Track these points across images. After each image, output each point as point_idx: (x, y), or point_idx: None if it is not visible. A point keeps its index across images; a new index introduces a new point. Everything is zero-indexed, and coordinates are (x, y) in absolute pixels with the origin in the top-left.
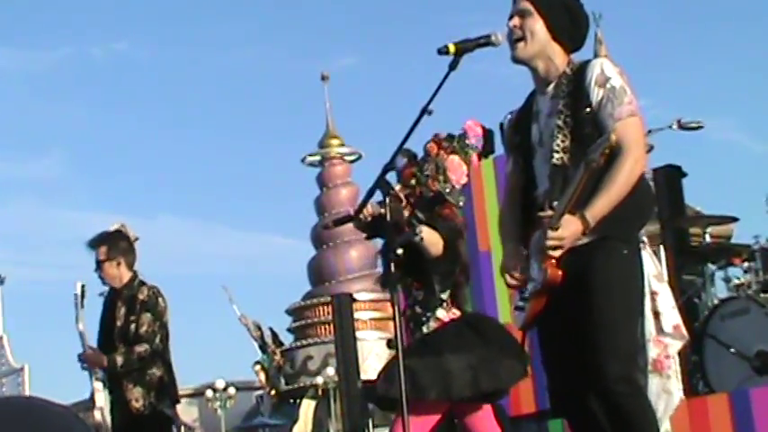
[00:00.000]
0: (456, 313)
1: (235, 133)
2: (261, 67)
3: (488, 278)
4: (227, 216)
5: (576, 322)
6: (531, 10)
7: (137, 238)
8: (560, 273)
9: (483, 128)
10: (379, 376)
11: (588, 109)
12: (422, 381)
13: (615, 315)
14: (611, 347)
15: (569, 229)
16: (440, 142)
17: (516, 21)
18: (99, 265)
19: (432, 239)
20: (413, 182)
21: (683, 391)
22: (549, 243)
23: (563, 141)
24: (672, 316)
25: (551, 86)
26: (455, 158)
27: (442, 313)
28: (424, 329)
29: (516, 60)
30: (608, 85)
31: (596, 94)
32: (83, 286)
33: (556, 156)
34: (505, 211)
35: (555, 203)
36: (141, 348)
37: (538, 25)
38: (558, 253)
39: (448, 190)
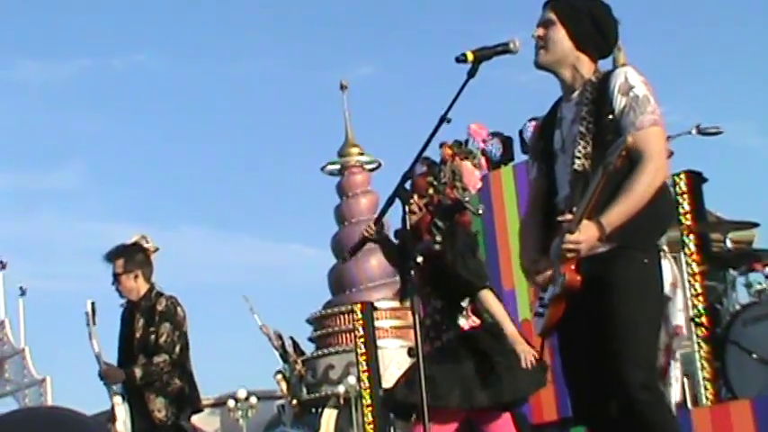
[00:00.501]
0: (476, 321)
1: (254, 142)
2: (280, 76)
3: (507, 280)
4: (248, 225)
5: (595, 330)
6: (555, 20)
7: (157, 249)
8: (579, 278)
9: (501, 135)
10: (398, 383)
11: (611, 116)
12: (441, 389)
13: (635, 323)
14: (631, 355)
15: (586, 234)
16: (452, 148)
17: (540, 31)
18: (116, 278)
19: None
20: (430, 191)
21: (705, 398)
22: (566, 246)
23: (584, 148)
24: (676, 318)
25: (576, 93)
26: (468, 164)
27: (462, 321)
28: (444, 338)
29: (538, 66)
30: (631, 94)
31: (619, 102)
32: (93, 304)
33: (577, 162)
34: (528, 216)
35: (574, 209)
36: (161, 359)
37: (560, 35)
38: (573, 257)
39: (467, 198)
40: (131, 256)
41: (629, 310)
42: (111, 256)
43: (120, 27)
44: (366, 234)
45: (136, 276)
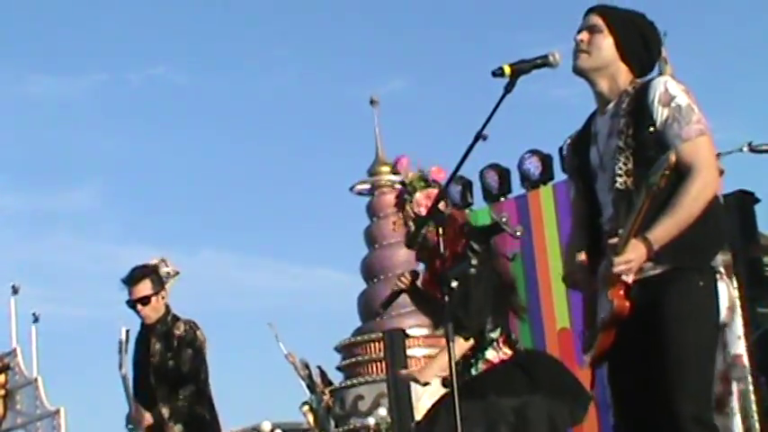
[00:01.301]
0: (507, 353)
1: (280, 161)
2: (305, 91)
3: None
4: (272, 249)
5: (647, 359)
6: (602, 26)
7: (177, 273)
8: (628, 304)
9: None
10: (424, 417)
11: (651, 129)
12: (467, 425)
13: (689, 352)
14: (684, 386)
15: (633, 254)
16: (397, 200)
17: (584, 35)
18: (145, 300)
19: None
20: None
21: (760, 430)
22: (618, 269)
23: (625, 164)
24: (736, 346)
25: (611, 105)
26: (418, 195)
27: (491, 354)
28: (473, 371)
29: (576, 71)
30: (673, 104)
31: (660, 114)
32: (128, 331)
33: (619, 180)
34: (571, 238)
35: (620, 231)
36: (187, 391)
37: (606, 42)
38: (630, 279)
39: (504, 219)
40: (158, 277)
41: (682, 337)
42: (139, 277)
43: (136, 40)
44: (400, 286)
45: (162, 297)
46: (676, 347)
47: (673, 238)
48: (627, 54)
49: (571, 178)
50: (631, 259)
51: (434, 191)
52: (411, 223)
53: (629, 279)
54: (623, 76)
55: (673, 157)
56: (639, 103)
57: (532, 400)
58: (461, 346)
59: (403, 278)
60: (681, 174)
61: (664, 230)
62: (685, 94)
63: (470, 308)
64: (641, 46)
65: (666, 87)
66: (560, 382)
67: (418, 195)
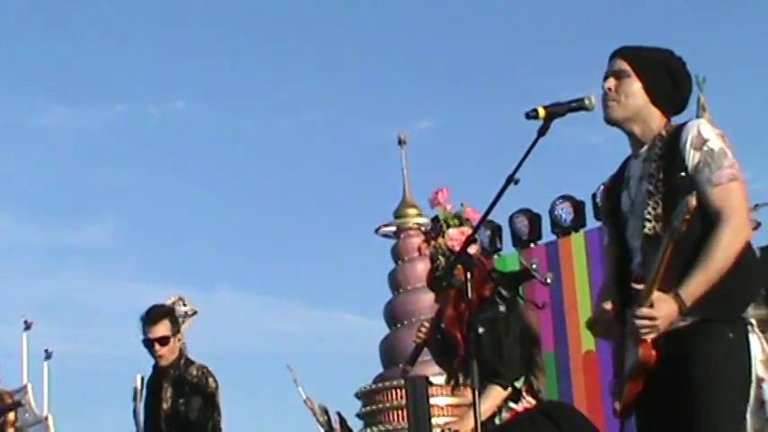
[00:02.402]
0: (531, 402)
1: (302, 200)
2: (330, 129)
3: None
4: (293, 290)
5: (675, 414)
6: (629, 71)
7: (195, 312)
8: (654, 353)
9: (572, 199)
10: None
11: (683, 174)
12: None
13: (719, 409)
14: None
15: (663, 311)
16: (426, 235)
17: (612, 82)
18: (164, 340)
19: None
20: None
21: None
22: (639, 323)
23: (654, 209)
24: None
25: (644, 149)
26: (452, 231)
27: (514, 404)
28: (496, 421)
29: (608, 122)
30: (705, 148)
31: (692, 158)
32: (143, 378)
33: (648, 225)
34: (603, 286)
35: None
36: None
37: (635, 87)
38: (651, 336)
39: (534, 266)
40: (175, 318)
41: (711, 394)
42: (158, 316)
43: (157, 72)
44: (420, 339)
45: (179, 339)
46: (705, 405)
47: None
48: (657, 97)
49: (604, 224)
50: (657, 317)
51: (468, 230)
52: (441, 258)
53: (650, 337)
54: (656, 119)
55: (693, 201)
56: (672, 146)
57: None
58: (499, 394)
59: (422, 329)
60: (711, 221)
61: (696, 285)
62: (719, 138)
63: (504, 355)
64: (670, 86)
65: (699, 131)
66: (582, 427)
67: (453, 231)
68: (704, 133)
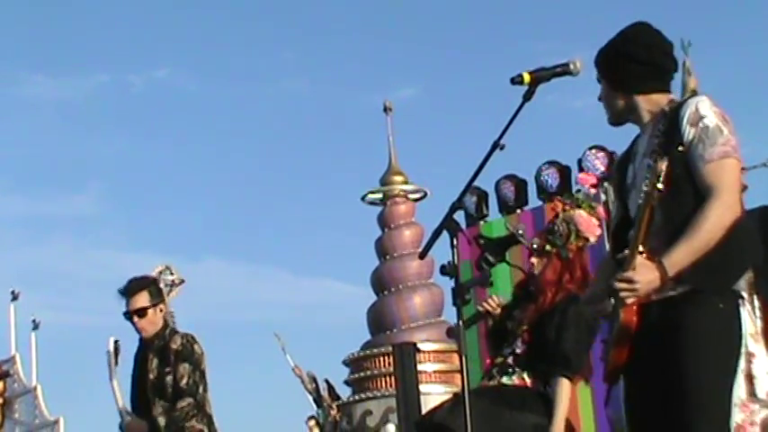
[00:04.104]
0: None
1: (288, 168)
2: (315, 98)
3: None
4: (280, 259)
5: (661, 382)
6: (599, 75)
7: (183, 281)
8: (635, 318)
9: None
10: (437, 408)
11: (680, 148)
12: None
13: (707, 379)
14: (701, 414)
15: (643, 276)
16: (563, 201)
17: (600, 92)
18: (142, 312)
19: None
20: (547, 247)
21: None
22: (618, 285)
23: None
24: (767, 381)
25: (650, 126)
26: (582, 212)
27: (526, 377)
28: (505, 379)
29: (611, 125)
30: (701, 125)
31: (688, 134)
32: (116, 342)
33: (643, 196)
34: (602, 261)
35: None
36: (185, 403)
37: (607, 91)
38: (631, 300)
39: (521, 231)
40: (157, 288)
41: (700, 364)
42: (136, 288)
43: (139, 41)
44: (487, 308)
45: (160, 310)
46: (694, 375)
47: (692, 261)
48: (627, 89)
49: (614, 198)
50: (636, 281)
51: (596, 223)
52: (562, 224)
53: (630, 301)
54: (647, 102)
55: (662, 165)
56: (672, 122)
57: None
58: (567, 387)
59: (491, 301)
60: (703, 196)
61: (679, 255)
62: (716, 115)
63: (568, 344)
64: (638, 70)
65: (697, 107)
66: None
67: (583, 212)
68: (701, 110)
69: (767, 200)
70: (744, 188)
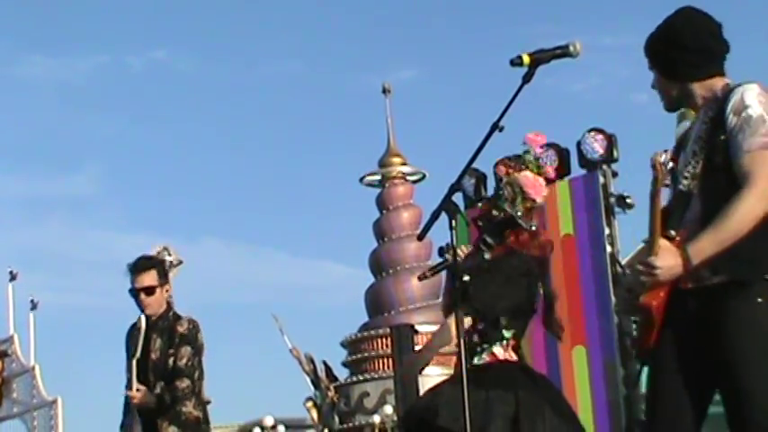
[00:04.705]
0: (513, 357)
1: (286, 149)
2: (313, 79)
3: None
4: (278, 240)
5: (704, 373)
6: (650, 64)
7: (180, 262)
8: (655, 303)
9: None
10: (421, 399)
11: (722, 137)
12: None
13: (753, 366)
14: (754, 399)
15: (665, 261)
16: (507, 163)
17: (653, 80)
18: (150, 290)
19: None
20: (494, 212)
21: None
22: (638, 268)
23: (694, 168)
24: None
25: (702, 111)
26: (528, 174)
27: (498, 350)
28: (476, 360)
29: (667, 111)
30: (744, 114)
31: (730, 122)
32: (146, 318)
33: (683, 182)
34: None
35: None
36: (184, 384)
37: (660, 80)
38: (651, 284)
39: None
40: (163, 268)
41: (742, 354)
42: (146, 266)
43: (137, 22)
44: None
45: (166, 290)
46: (740, 363)
47: (728, 249)
48: (680, 77)
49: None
50: (657, 266)
51: (541, 183)
52: (508, 188)
53: (650, 284)
54: (701, 89)
55: (657, 158)
56: (719, 110)
57: (528, 401)
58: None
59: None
60: (740, 185)
61: (704, 243)
62: (762, 105)
63: (486, 294)
64: (683, 57)
65: (742, 96)
66: (561, 400)
67: (528, 173)
68: (747, 99)
69: None
70: None
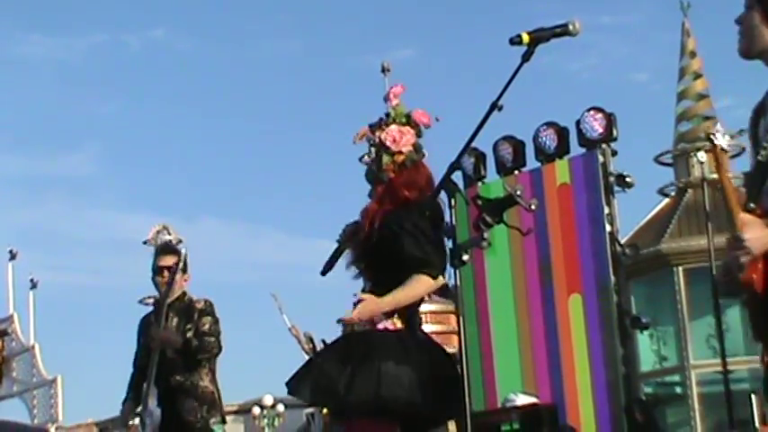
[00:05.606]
0: (397, 325)
1: (285, 129)
2: (312, 58)
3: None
4: (276, 219)
5: None
6: (750, 3)
7: (180, 241)
8: (754, 276)
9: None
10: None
11: None
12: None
13: None
14: None
15: (751, 232)
16: (369, 130)
17: (741, 15)
18: (171, 270)
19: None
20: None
21: None
22: (729, 245)
23: None
24: None
25: None
26: (392, 128)
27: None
28: (356, 327)
29: (740, 55)
30: None
31: None
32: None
33: (762, 153)
34: None
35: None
36: (211, 338)
37: (755, 21)
38: (744, 259)
39: (519, 192)
40: (185, 262)
41: None
42: (172, 249)
43: (135, 1)
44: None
45: (185, 280)
46: None
47: None
48: None
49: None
50: (745, 238)
51: (411, 132)
52: (372, 150)
53: (743, 258)
54: None
55: (715, 138)
56: None
57: (391, 370)
58: (426, 284)
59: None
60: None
61: None
62: None
63: (428, 248)
64: None
65: None
66: (439, 377)
67: (393, 127)
68: None
69: None
70: (741, 151)
